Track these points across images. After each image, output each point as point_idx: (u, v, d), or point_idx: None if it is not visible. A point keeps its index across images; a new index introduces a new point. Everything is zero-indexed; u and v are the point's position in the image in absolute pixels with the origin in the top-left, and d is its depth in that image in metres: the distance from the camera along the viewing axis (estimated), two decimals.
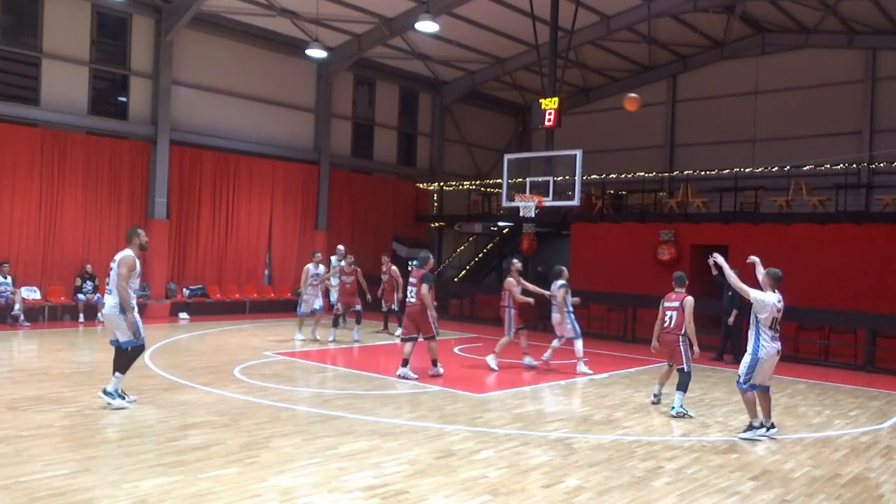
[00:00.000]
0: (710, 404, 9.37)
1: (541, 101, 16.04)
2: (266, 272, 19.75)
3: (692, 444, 7.27)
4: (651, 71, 23.71)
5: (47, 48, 15.60)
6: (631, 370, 12.03)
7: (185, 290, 17.77)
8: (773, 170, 18.25)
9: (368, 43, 19.85)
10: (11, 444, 6.25)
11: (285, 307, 19.35)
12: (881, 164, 17.68)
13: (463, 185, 23.58)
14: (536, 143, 25.72)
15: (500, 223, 23.67)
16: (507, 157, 16.77)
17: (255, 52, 19.14)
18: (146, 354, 11.44)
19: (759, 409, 7.58)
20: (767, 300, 7.50)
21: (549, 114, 15.83)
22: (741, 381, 7.55)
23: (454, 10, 18.32)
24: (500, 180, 17.29)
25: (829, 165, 17.61)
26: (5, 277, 14.52)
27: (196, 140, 18.05)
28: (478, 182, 23.82)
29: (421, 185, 23.72)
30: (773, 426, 7.64)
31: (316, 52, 17.22)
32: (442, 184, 23.61)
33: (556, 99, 15.84)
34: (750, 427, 7.58)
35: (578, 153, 14.84)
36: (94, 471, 5.61)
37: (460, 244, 25.53)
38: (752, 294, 7.51)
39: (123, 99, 17.06)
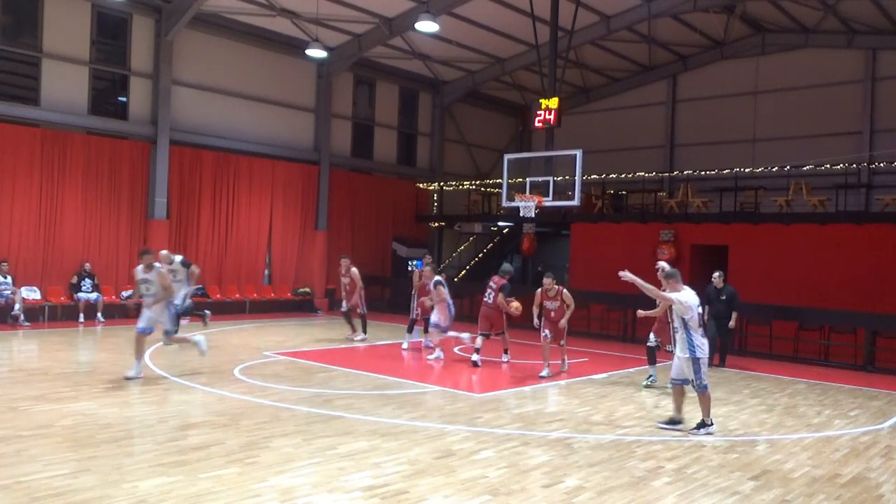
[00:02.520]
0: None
1: (541, 100, 16.04)
2: (266, 272, 19.74)
3: (692, 444, 7.27)
4: (651, 71, 23.71)
5: (47, 48, 15.59)
6: (631, 370, 12.01)
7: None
8: (773, 170, 18.25)
9: (368, 43, 19.85)
10: (11, 444, 6.25)
11: (285, 307, 19.39)
12: (881, 164, 17.68)
13: (463, 185, 23.58)
14: (536, 143, 25.72)
15: (500, 223, 23.66)
16: (506, 157, 16.77)
17: (256, 52, 19.14)
18: (147, 354, 11.46)
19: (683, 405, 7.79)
20: (690, 301, 7.55)
21: (549, 114, 15.83)
22: (699, 384, 7.56)
23: (454, 10, 18.32)
24: (500, 180, 17.29)
25: (829, 165, 17.61)
26: (5, 277, 14.52)
27: (196, 140, 18.05)
28: (478, 182, 23.83)
29: (421, 185, 23.72)
30: (680, 421, 7.77)
31: (316, 52, 17.22)
32: (442, 184, 23.61)
33: (556, 99, 15.84)
34: (703, 424, 7.67)
35: (578, 153, 14.84)
36: (94, 471, 5.62)
37: (460, 244, 25.54)
38: (675, 297, 7.59)
39: (123, 99, 17.06)
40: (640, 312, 9.67)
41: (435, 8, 16.99)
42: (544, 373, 10.80)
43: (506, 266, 12.20)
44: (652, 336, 10.51)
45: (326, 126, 20.81)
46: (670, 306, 9.84)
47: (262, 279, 19.59)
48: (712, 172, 19.09)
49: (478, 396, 9.27)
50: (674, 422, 7.80)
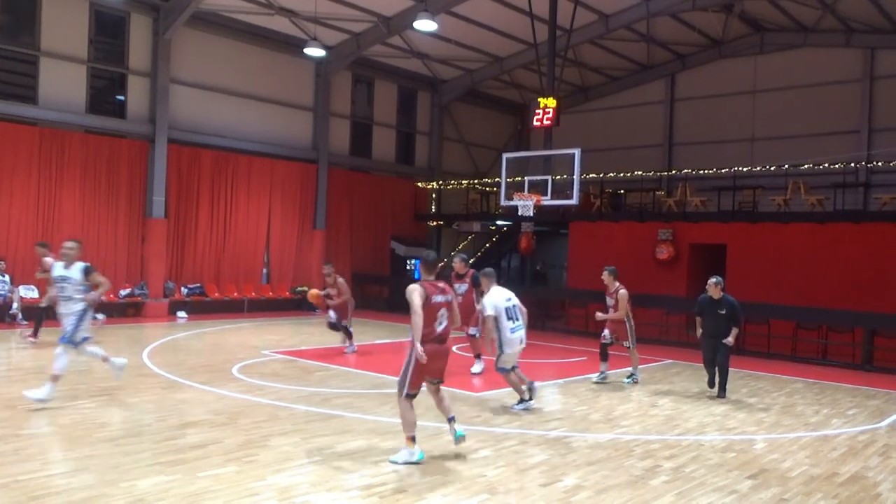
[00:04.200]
0: (708, 404, 9.37)
1: (539, 99, 16.04)
2: (264, 271, 19.73)
3: (690, 442, 7.28)
4: (649, 70, 23.71)
5: (45, 47, 15.57)
6: (629, 369, 11.99)
7: (183, 288, 17.75)
8: (772, 169, 18.26)
9: (367, 42, 19.83)
10: (9, 443, 6.24)
11: (284, 306, 19.38)
12: (879, 163, 17.69)
13: (461, 184, 23.58)
14: (535, 142, 25.71)
15: (499, 222, 23.67)
16: (505, 156, 16.77)
17: (254, 50, 19.12)
18: (145, 353, 11.46)
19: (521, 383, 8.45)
20: (494, 300, 8.19)
21: (548, 113, 15.84)
22: (500, 368, 8.34)
23: (453, 9, 18.31)
24: (498, 179, 17.28)
25: (827, 164, 17.62)
26: (3, 276, 14.49)
27: (194, 139, 18.03)
28: (476, 181, 23.82)
29: (419, 184, 23.71)
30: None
31: (314, 51, 17.20)
32: (440, 183, 23.60)
33: (553, 99, 15.84)
34: (521, 401, 8.41)
35: (577, 152, 14.85)
36: (91, 470, 5.61)
37: (459, 243, 25.54)
38: (484, 302, 8.26)
39: (121, 97, 17.04)
40: (599, 315, 10.68)
41: (433, 7, 16.97)
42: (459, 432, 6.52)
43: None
44: (607, 332, 10.69)
45: (325, 125, 20.79)
46: (626, 308, 10.50)
47: (260, 278, 19.57)
48: (711, 171, 19.10)
49: (476, 396, 9.27)
50: (523, 401, 8.44)
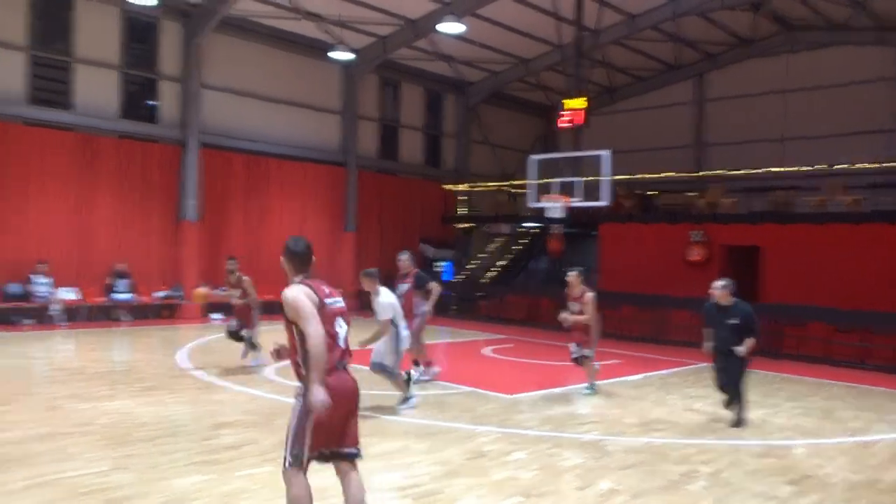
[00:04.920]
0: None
1: (564, 101, 15.95)
2: None
3: (727, 447, 7.17)
4: (677, 70, 23.47)
5: (79, 53, 15.88)
6: (663, 372, 11.89)
7: (217, 290, 17.90)
8: (813, 167, 17.90)
9: (393, 45, 19.92)
10: (55, 441, 6.38)
11: None
12: None
13: (489, 186, 23.54)
14: (562, 143, 25.60)
15: (528, 224, 23.59)
16: (532, 158, 16.71)
17: (282, 55, 19.30)
18: (179, 354, 11.61)
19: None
20: (392, 301, 8.22)
21: (574, 114, 15.75)
22: (392, 370, 8.29)
23: (478, 11, 18.30)
24: (526, 181, 17.23)
25: (864, 164, 17.25)
26: (45, 278, 14.82)
27: (225, 143, 18.25)
28: (504, 183, 23.78)
29: (447, 187, 23.73)
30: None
31: (341, 55, 17.32)
32: (468, 185, 23.60)
33: (582, 99, 15.76)
34: (407, 399, 8.38)
35: (606, 154, 14.75)
36: (130, 468, 5.71)
37: (487, 245, 25.50)
38: (386, 303, 8.12)
39: (153, 103, 17.32)
40: (566, 317, 9.56)
41: (458, 9, 17.00)
42: None
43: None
44: (573, 346, 9.67)
45: (353, 128, 20.91)
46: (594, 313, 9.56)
47: None
48: (742, 172, 18.82)
49: (508, 398, 9.24)
50: (406, 399, 8.38)
